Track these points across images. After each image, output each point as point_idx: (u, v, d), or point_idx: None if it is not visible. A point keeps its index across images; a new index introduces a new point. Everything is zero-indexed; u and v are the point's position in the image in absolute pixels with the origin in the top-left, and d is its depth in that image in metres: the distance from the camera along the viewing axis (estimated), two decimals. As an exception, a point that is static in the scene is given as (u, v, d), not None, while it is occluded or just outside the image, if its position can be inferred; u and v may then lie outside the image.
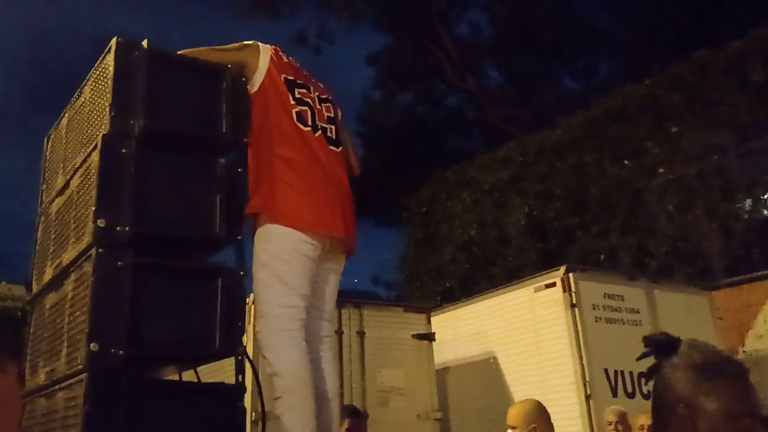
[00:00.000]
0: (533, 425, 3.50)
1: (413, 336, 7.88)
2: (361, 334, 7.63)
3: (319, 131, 2.88)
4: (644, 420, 5.28)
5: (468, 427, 8.02)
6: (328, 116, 2.99)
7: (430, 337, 7.91)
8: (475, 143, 20.86)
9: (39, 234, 3.07)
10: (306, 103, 2.89)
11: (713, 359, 1.44)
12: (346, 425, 5.17)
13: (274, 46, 2.99)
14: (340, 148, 2.99)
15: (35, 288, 2.93)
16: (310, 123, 2.85)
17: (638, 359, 1.54)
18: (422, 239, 14.88)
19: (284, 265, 2.61)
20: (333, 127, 2.99)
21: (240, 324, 2.38)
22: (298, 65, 3.07)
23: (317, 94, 3.01)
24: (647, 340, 1.52)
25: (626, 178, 10.86)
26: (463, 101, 22.59)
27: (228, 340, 2.32)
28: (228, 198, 2.43)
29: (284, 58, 2.99)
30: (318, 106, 2.95)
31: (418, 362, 7.84)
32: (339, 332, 7.46)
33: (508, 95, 21.19)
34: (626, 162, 10.96)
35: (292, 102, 2.84)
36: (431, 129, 22.09)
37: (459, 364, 8.25)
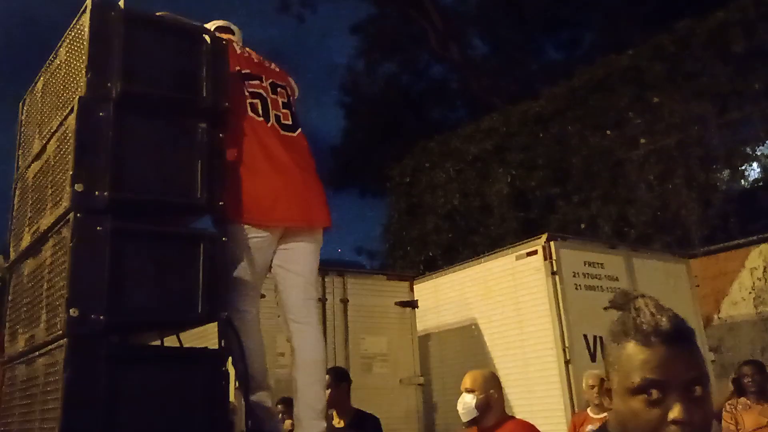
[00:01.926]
0: (491, 390, 3.61)
1: (396, 303, 7.92)
2: (344, 302, 7.66)
3: (272, 120, 2.97)
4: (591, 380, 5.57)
5: (449, 392, 8.09)
6: (282, 102, 3.08)
7: (413, 304, 7.96)
8: (459, 113, 20.85)
9: (16, 200, 3.01)
10: (258, 95, 2.98)
11: (626, 324, 1.29)
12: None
13: (228, 37, 3.04)
14: (298, 131, 3.08)
15: (13, 255, 2.89)
16: (261, 114, 2.94)
17: (605, 308, 1.41)
18: (405, 209, 14.90)
19: (235, 256, 2.75)
20: (288, 112, 3.09)
21: (222, 289, 2.37)
22: (251, 55, 3.14)
23: (271, 81, 3.09)
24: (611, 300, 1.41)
25: (608, 148, 10.91)
26: (447, 71, 22.53)
27: (210, 306, 2.31)
28: (209, 163, 2.39)
29: (237, 50, 3.07)
30: (272, 95, 3.04)
31: (400, 329, 7.89)
32: (323, 300, 7.48)
33: (492, 65, 21.13)
34: (608, 132, 11.01)
35: (246, 94, 2.94)
36: (415, 99, 22.02)
37: (441, 331, 8.31)
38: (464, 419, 3.60)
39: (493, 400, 3.59)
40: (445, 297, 8.28)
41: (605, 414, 5.65)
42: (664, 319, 1.26)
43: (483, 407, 3.54)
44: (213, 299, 2.32)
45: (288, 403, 6.05)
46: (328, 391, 5.23)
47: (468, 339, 7.85)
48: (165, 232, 2.31)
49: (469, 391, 3.59)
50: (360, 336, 7.65)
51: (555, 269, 6.80)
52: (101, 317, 2.09)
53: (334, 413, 5.25)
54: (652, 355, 1.22)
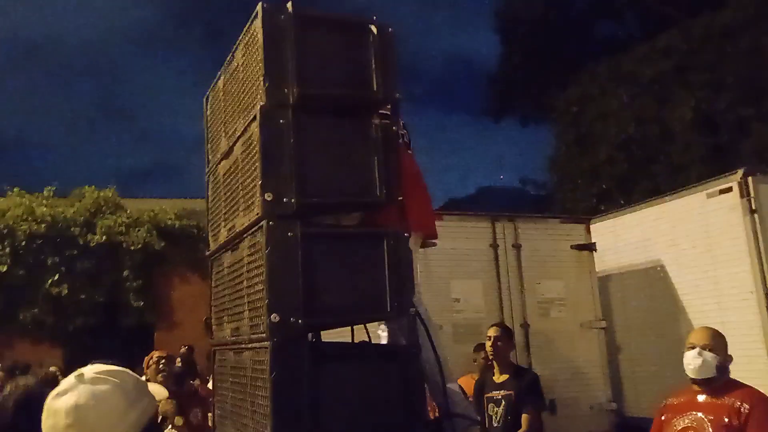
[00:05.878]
0: (728, 353, 3.47)
1: (572, 247, 7.69)
2: (517, 247, 7.57)
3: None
4: None
5: (633, 336, 7.84)
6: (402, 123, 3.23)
7: (590, 247, 7.72)
8: (629, 29, 19.07)
9: (210, 192, 3.24)
10: None
11: None
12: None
13: None
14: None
15: (212, 245, 3.13)
16: None
17: None
18: (573, 140, 14.24)
19: None
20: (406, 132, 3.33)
21: (409, 284, 2.38)
22: None
23: None
24: None
25: (814, 57, 9.51)
26: (614, -19, 20.49)
27: (398, 302, 2.34)
28: (385, 159, 2.38)
29: None
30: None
31: (578, 272, 7.71)
32: (494, 246, 7.47)
33: (666, -30, 18.94)
34: (814, 39, 9.57)
35: None
36: (576, 17, 20.44)
37: (622, 272, 7.99)
38: (697, 375, 3.43)
39: (729, 363, 3.48)
40: (626, 237, 7.90)
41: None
42: None
43: (721, 369, 3.41)
44: (400, 295, 2.34)
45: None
46: (499, 344, 5.25)
47: (653, 282, 7.46)
48: (350, 234, 2.36)
49: (708, 348, 3.41)
50: (535, 281, 7.56)
51: (754, 207, 6.24)
52: (299, 320, 2.20)
53: (496, 368, 5.27)
54: None
